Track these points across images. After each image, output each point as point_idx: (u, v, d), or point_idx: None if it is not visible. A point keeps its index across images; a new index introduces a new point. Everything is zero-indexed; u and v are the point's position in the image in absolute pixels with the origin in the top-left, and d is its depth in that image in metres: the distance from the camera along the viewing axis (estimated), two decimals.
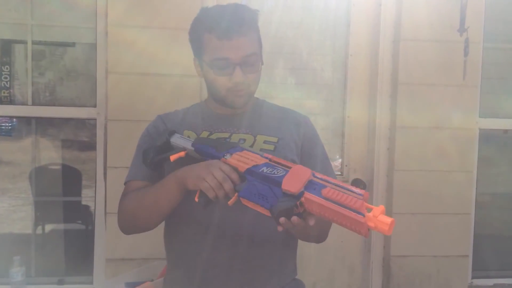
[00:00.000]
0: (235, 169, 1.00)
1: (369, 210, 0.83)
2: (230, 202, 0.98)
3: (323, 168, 1.20)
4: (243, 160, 1.01)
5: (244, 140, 1.17)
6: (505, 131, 2.58)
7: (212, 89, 1.18)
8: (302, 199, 0.88)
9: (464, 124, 2.34)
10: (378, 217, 0.82)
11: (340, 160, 2.44)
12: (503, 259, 2.65)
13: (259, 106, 1.27)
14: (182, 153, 1.11)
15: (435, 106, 2.31)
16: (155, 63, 2.11)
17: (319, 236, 1.21)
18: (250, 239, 1.12)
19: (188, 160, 1.10)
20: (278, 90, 2.39)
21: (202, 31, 1.14)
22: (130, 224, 1.20)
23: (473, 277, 2.50)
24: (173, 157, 1.10)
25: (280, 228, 0.92)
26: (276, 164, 0.98)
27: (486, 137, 2.49)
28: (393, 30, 2.34)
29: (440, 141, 2.32)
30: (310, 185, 0.90)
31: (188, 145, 1.11)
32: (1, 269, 2.20)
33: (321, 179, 0.92)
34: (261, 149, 1.14)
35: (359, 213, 0.82)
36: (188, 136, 1.18)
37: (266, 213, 0.92)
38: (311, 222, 0.90)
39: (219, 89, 1.15)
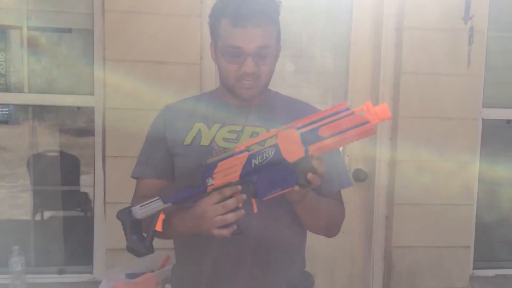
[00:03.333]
0: (228, 184, 0.95)
1: (362, 112, 0.85)
2: (255, 210, 0.96)
3: (335, 162, 1.19)
4: (228, 172, 0.95)
5: (257, 133, 1.13)
6: (508, 121, 2.55)
7: (222, 76, 1.16)
8: (310, 153, 0.88)
9: (468, 114, 2.32)
10: (376, 112, 0.84)
11: (340, 149, 2.42)
12: (505, 250, 2.64)
13: (272, 98, 1.24)
14: (162, 216, 1.02)
15: (439, 96, 2.28)
16: (153, 50, 2.08)
17: (331, 227, 1.20)
18: (260, 233, 1.11)
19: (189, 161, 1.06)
20: (278, 77, 2.35)
21: (220, 16, 1.10)
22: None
23: (474, 268, 2.50)
24: (159, 227, 1.02)
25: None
26: (258, 149, 0.94)
27: (489, 127, 2.47)
28: (396, 18, 2.29)
29: (443, 131, 2.29)
30: (306, 138, 0.89)
31: (160, 205, 1.02)
32: (0, 259, 2.19)
33: (305, 125, 0.90)
34: None
35: (364, 123, 0.84)
36: (200, 129, 1.15)
37: (291, 189, 0.92)
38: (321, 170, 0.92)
39: (228, 76, 1.12)
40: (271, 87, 1.24)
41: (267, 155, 0.91)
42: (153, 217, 1.03)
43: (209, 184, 0.96)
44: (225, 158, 0.96)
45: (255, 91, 1.13)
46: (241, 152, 0.95)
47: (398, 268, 2.34)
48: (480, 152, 2.43)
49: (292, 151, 0.89)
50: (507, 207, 2.61)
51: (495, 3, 2.37)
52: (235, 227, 0.96)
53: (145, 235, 1.05)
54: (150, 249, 1.03)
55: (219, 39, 1.11)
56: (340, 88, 2.42)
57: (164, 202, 1.01)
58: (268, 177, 0.92)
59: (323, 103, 2.44)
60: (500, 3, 2.41)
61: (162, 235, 1.06)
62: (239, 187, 0.95)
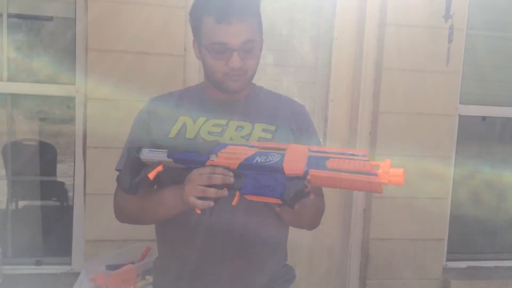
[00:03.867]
0: (226, 168, 0.96)
1: (377, 167, 0.82)
2: (234, 202, 0.96)
3: None
4: (231, 156, 0.97)
5: (242, 127, 1.14)
6: (484, 117, 2.62)
7: (208, 72, 1.15)
8: (309, 177, 0.86)
9: (445, 111, 2.38)
10: (389, 172, 0.81)
11: (320, 140, 2.45)
12: (477, 243, 2.73)
13: (256, 93, 1.25)
14: (159, 167, 1.04)
15: (418, 92, 2.33)
16: (137, 41, 2.06)
17: (313, 222, 1.21)
18: (244, 227, 1.12)
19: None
20: (259, 70, 2.35)
21: (202, 13, 1.10)
22: (126, 219, 1.20)
23: (447, 260, 2.58)
24: (151, 175, 1.03)
25: (287, 212, 0.92)
26: (267, 150, 0.95)
27: (465, 123, 2.53)
28: (379, 14, 2.33)
29: (421, 126, 2.35)
30: (312, 161, 0.87)
31: (164, 157, 1.04)
32: None
33: (319, 151, 0.89)
34: (259, 138, 1.12)
35: (370, 174, 0.81)
36: (185, 122, 1.15)
37: (276, 201, 0.90)
38: (312, 197, 0.90)
39: (215, 73, 1.12)
40: (257, 80, 1.24)
41: (271, 159, 0.92)
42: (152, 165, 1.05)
43: (210, 159, 0.98)
44: (238, 145, 0.99)
45: (242, 83, 1.14)
46: (253, 146, 0.97)
47: (375, 260, 2.39)
48: (456, 147, 2.50)
49: (293, 166, 0.88)
50: (480, 202, 2.70)
51: (474, 2, 2.43)
52: (211, 204, 0.95)
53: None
54: (132, 189, 1.04)
55: (203, 36, 1.11)
56: (321, 82, 2.45)
57: (168, 156, 1.03)
58: (260, 178, 0.92)
59: (304, 97, 2.47)
60: (479, 2, 2.47)
61: (146, 209, 1.10)
62: (231, 173, 0.95)
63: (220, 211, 1.05)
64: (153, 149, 1.06)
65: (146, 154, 1.06)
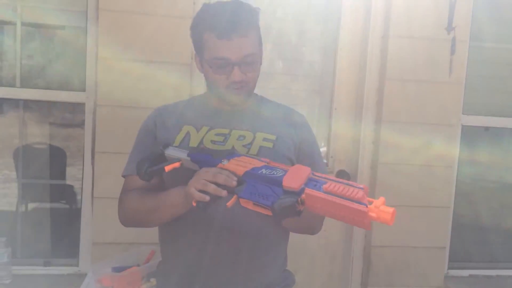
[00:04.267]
0: (232, 173, 1.01)
1: (370, 203, 0.84)
2: (228, 203, 0.99)
3: (318, 168, 1.21)
4: (241, 164, 1.03)
5: (244, 136, 1.19)
6: (486, 128, 2.64)
7: (211, 86, 1.20)
8: (303, 195, 0.90)
9: (448, 121, 2.40)
10: (379, 207, 0.83)
11: (324, 149, 2.49)
12: (478, 252, 2.74)
13: (257, 103, 1.29)
14: (177, 164, 1.11)
15: (420, 102, 2.35)
16: (146, 50, 2.11)
17: (314, 227, 1.25)
18: (244, 232, 1.15)
19: (185, 169, 1.11)
20: (264, 79, 2.41)
21: (203, 29, 1.14)
22: (131, 221, 1.24)
23: (449, 268, 2.59)
24: (167, 168, 1.11)
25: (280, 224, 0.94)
26: (275, 166, 1.00)
27: (467, 133, 2.55)
28: (383, 26, 2.36)
29: (424, 136, 2.37)
30: (311, 182, 0.92)
31: (184, 155, 1.11)
32: None
33: (320, 176, 0.93)
34: (260, 147, 1.16)
35: (361, 203, 0.82)
36: (188, 131, 1.19)
37: (268, 212, 0.93)
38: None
39: (217, 86, 1.17)
40: (262, 87, 1.29)
41: (275, 173, 0.97)
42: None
43: (222, 163, 1.05)
44: (251, 157, 1.06)
45: (244, 95, 1.19)
46: (264, 161, 1.03)
47: (377, 267, 2.41)
48: (458, 157, 2.52)
49: (292, 180, 0.92)
50: (482, 211, 2.71)
51: (477, 14, 2.46)
52: (207, 198, 0.99)
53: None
54: (145, 176, 1.11)
55: (204, 51, 1.15)
56: (326, 91, 2.49)
57: (187, 155, 1.11)
58: (258, 186, 0.97)
59: (309, 105, 2.51)
60: (481, 15, 2.50)
61: (152, 209, 1.14)
62: (235, 178, 1.00)
63: (222, 216, 1.09)
64: (177, 147, 1.15)
65: (170, 150, 1.14)
